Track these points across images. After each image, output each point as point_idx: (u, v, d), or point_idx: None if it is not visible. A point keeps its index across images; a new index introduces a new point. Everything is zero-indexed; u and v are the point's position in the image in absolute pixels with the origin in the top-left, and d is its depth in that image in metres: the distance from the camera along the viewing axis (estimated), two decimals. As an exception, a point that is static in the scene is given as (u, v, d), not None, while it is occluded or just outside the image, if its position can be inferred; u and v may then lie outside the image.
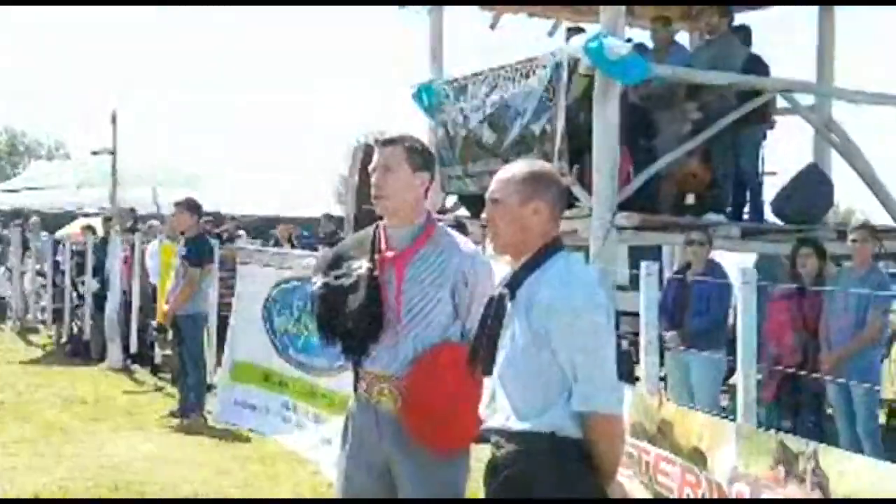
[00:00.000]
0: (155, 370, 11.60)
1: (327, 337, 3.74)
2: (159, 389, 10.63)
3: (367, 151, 9.85)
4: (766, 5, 10.50)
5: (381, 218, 3.72)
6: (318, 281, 3.73)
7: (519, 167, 3.13)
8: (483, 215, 3.15)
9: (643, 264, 5.67)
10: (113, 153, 13.23)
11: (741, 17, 9.85)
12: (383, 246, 3.64)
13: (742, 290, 5.06)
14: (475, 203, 9.43)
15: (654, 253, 9.70)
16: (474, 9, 10.91)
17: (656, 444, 4.91)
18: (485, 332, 3.12)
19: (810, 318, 7.14)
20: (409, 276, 3.56)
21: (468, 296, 3.56)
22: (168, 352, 10.98)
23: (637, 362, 7.08)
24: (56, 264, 15.23)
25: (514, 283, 3.07)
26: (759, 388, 5.67)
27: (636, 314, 6.24)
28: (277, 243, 14.42)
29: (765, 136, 9.23)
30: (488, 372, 3.11)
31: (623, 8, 8.20)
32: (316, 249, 10.69)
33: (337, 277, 3.67)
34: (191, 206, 8.96)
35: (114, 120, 12.53)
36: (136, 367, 11.90)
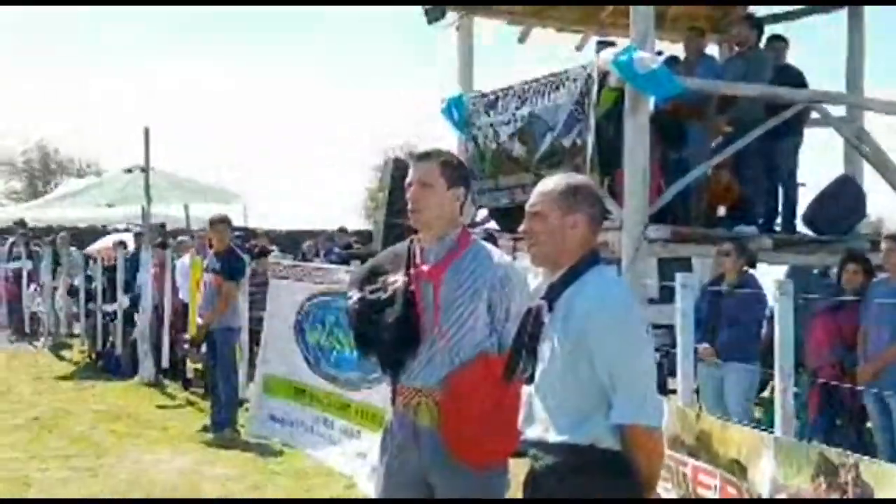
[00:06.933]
0: (186, 385, 11.67)
1: (364, 351, 3.75)
2: (191, 404, 10.68)
3: (398, 165, 9.87)
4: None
5: (412, 231, 3.72)
6: (354, 296, 3.72)
7: (559, 180, 3.13)
8: (521, 227, 3.15)
9: (678, 276, 5.65)
10: (145, 170, 13.33)
11: (771, 29, 9.81)
12: (418, 260, 3.64)
13: (779, 303, 5.02)
14: (506, 216, 9.43)
15: (684, 266, 9.65)
16: (503, 23, 10.92)
17: (695, 456, 4.87)
18: (522, 344, 3.11)
19: (849, 331, 7.08)
20: (444, 290, 3.54)
21: (503, 308, 3.54)
22: (199, 366, 11.05)
23: (670, 374, 7.04)
24: (88, 279, 15.36)
25: (552, 295, 3.05)
26: (799, 402, 5.61)
27: (666, 327, 6.21)
28: (305, 257, 14.47)
29: (799, 147, 9.20)
30: (527, 383, 3.10)
31: (653, 21, 8.18)
32: (347, 263, 10.71)
33: (373, 292, 3.66)
34: (227, 222, 9.20)
35: (146, 136, 12.64)
36: (167, 381, 11.97)
